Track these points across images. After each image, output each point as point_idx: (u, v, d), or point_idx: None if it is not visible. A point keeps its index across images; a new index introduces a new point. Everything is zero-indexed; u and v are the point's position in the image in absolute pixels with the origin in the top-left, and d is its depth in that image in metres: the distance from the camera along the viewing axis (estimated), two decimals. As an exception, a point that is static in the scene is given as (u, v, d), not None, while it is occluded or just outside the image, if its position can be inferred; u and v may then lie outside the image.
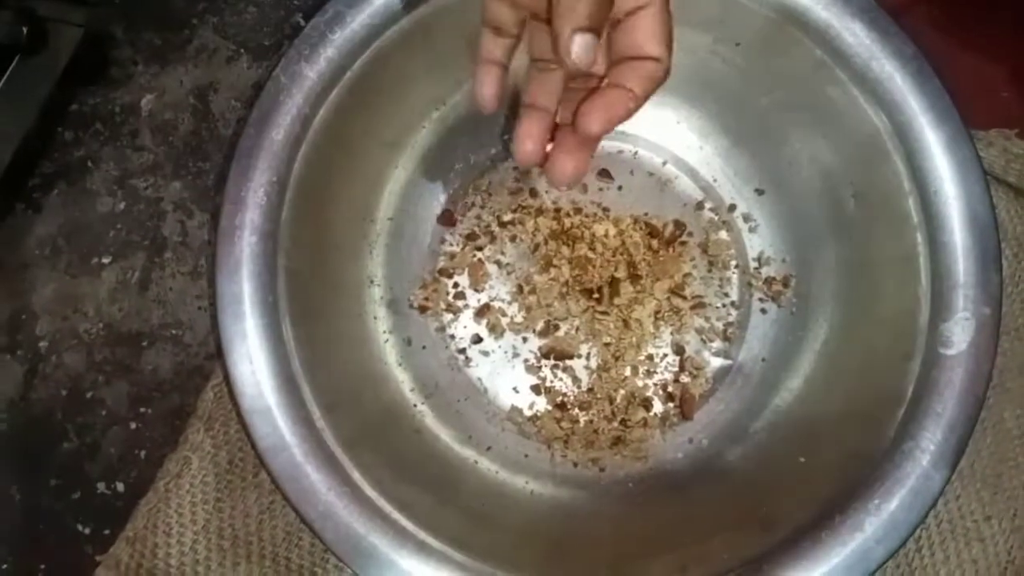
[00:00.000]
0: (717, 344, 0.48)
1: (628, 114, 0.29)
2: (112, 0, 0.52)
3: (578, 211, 0.49)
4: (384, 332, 0.47)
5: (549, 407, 0.47)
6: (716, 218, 0.50)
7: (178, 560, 0.44)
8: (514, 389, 0.48)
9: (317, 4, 0.50)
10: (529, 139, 0.32)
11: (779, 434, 0.44)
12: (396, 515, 0.37)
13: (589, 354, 0.48)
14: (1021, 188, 0.47)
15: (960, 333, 0.38)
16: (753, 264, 0.49)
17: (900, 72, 0.40)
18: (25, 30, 0.45)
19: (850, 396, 0.42)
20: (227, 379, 0.39)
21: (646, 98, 0.29)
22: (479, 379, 0.48)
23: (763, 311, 0.48)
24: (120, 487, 0.46)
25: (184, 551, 0.44)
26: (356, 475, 0.38)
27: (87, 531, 0.46)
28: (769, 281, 0.48)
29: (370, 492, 0.38)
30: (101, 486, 0.46)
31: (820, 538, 0.36)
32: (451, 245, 0.49)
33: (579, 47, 0.27)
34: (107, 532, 0.45)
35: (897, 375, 0.39)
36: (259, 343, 0.39)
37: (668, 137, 0.50)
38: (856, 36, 0.41)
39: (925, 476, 0.37)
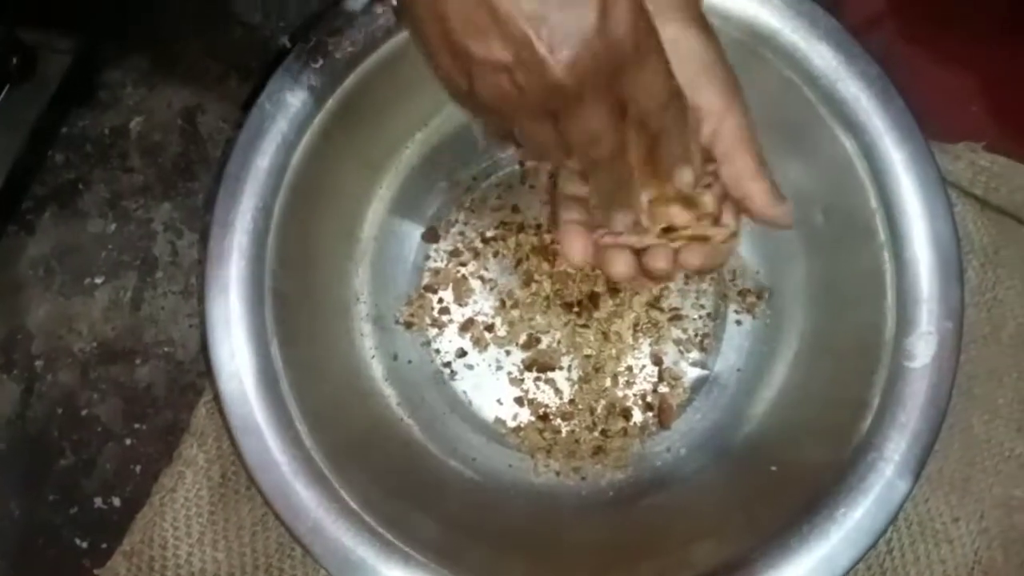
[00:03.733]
0: (694, 355, 0.49)
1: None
2: (100, 24, 0.53)
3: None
4: (370, 348, 0.48)
5: (532, 418, 0.49)
6: (693, 232, 0.51)
7: (174, 573, 0.45)
8: (498, 401, 0.49)
9: (304, 25, 0.52)
10: (579, 247, 0.32)
11: (753, 443, 0.45)
12: (382, 529, 0.39)
13: (570, 366, 0.49)
14: (988, 200, 0.48)
15: (923, 347, 0.40)
16: (728, 277, 0.50)
17: (865, 93, 0.42)
18: (15, 60, 0.46)
19: (819, 407, 0.43)
20: (217, 398, 0.40)
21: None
22: (464, 392, 0.49)
23: (738, 322, 0.49)
24: (116, 502, 0.47)
25: (180, 564, 0.45)
26: (344, 490, 0.39)
27: (85, 545, 0.47)
28: (744, 293, 0.49)
29: (357, 507, 0.39)
30: (98, 501, 0.47)
31: (790, 545, 0.38)
32: (435, 261, 0.51)
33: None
34: (104, 546, 0.47)
35: (864, 387, 0.40)
36: (247, 363, 0.40)
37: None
38: (823, 58, 0.42)
39: (889, 485, 0.38)
